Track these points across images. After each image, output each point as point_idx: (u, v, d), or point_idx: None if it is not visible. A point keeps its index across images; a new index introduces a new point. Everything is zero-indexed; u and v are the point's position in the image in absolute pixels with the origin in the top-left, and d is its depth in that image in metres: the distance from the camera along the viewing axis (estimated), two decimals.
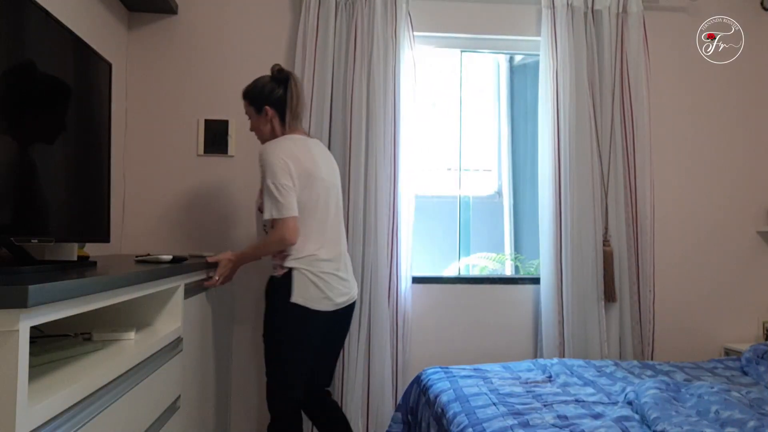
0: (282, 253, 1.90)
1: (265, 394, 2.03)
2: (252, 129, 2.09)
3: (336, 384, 2.57)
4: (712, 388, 1.77)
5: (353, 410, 2.51)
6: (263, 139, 2.05)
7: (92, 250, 2.14)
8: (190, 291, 1.72)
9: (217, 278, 1.93)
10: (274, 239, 1.86)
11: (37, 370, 1.07)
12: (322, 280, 1.90)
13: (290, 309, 1.86)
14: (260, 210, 1.96)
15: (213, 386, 2.02)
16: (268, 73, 2.05)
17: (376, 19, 2.60)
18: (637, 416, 1.62)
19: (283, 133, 2.01)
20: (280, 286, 1.89)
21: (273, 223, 1.87)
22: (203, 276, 1.90)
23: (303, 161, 1.92)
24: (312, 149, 2.00)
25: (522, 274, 3.03)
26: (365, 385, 2.55)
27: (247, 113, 2.08)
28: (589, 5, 2.76)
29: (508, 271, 3.12)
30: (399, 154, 2.60)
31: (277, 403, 1.93)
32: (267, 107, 2.01)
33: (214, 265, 1.96)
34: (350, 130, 2.57)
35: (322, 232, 1.95)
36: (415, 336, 2.68)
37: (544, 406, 1.72)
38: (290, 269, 1.88)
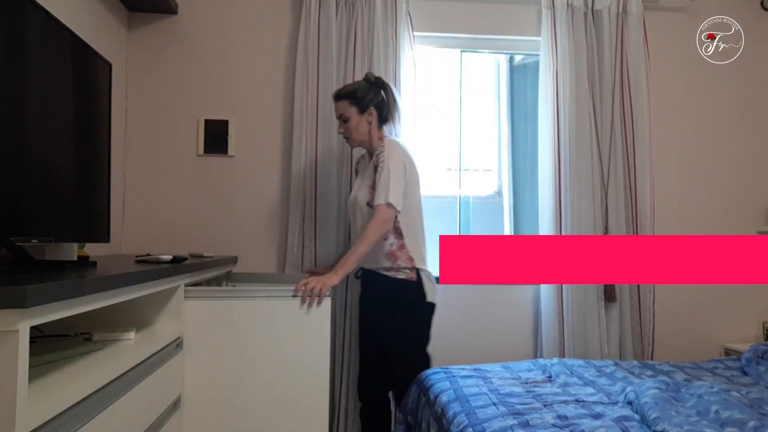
0: (404, 255, 2.06)
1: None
2: (344, 131, 2.17)
3: (337, 384, 2.57)
4: (712, 388, 1.77)
5: (356, 411, 2.51)
6: (357, 140, 2.17)
7: (92, 250, 2.14)
8: (188, 293, 1.72)
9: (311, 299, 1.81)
10: (377, 225, 1.96)
11: (37, 370, 1.07)
12: (431, 276, 2.14)
13: (426, 308, 2.11)
14: (369, 205, 2.08)
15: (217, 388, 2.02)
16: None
17: (376, 19, 2.60)
18: (637, 416, 1.62)
19: (379, 135, 2.17)
20: (413, 288, 2.07)
21: (377, 209, 1.98)
22: (204, 276, 1.90)
23: (415, 165, 2.14)
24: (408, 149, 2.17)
25: None
26: None
27: (342, 114, 2.16)
28: (589, 5, 2.76)
29: None
30: None
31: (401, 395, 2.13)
32: (372, 108, 2.14)
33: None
34: None
35: (423, 230, 2.18)
36: None
37: (544, 406, 1.72)
38: (418, 270, 2.08)
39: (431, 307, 2.13)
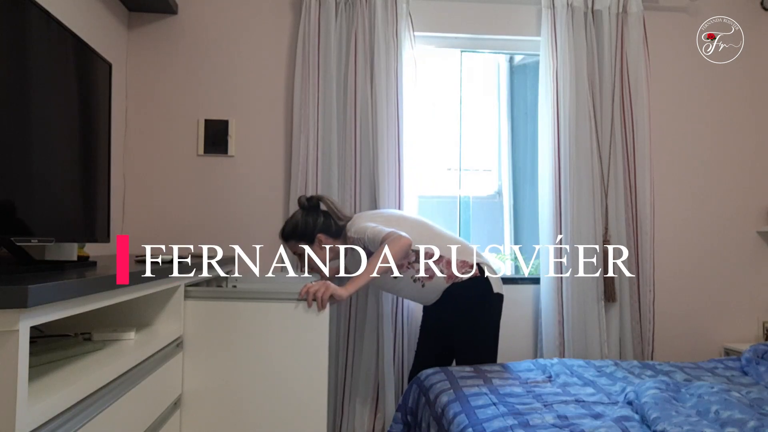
0: (451, 267, 2.06)
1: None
2: (306, 265, 2.18)
3: (338, 384, 2.57)
4: (712, 388, 1.77)
5: (359, 410, 2.52)
6: (324, 261, 2.17)
7: (92, 250, 2.14)
8: (188, 294, 1.72)
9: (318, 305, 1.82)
10: (393, 240, 1.94)
11: (37, 370, 1.07)
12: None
13: (496, 299, 2.11)
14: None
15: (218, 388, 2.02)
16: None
17: (377, 19, 2.60)
18: (637, 416, 1.62)
19: (339, 241, 2.17)
20: (477, 284, 2.07)
21: (384, 238, 1.96)
22: (204, 276, 1.90)
23: (384, 214, 2.17)
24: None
25: (522, 274, 3.03)
26: (375, 385, 2.55)
27: (296, 252, 2.17)
28: (589, 5, 2.76)
29: (508, 271, 3.12)
30: (402, 154, 2.61)
31: None
32: (319, 235, 2.13)
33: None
34: (353, 130, 2.58)
35: (448, 238, 2.17)
36: (415, 336, 2.68)
37: (544, 406, 1.72)
38: (478, 265, 2.09)
39: (500, 297, 2.14)
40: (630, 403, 1.75)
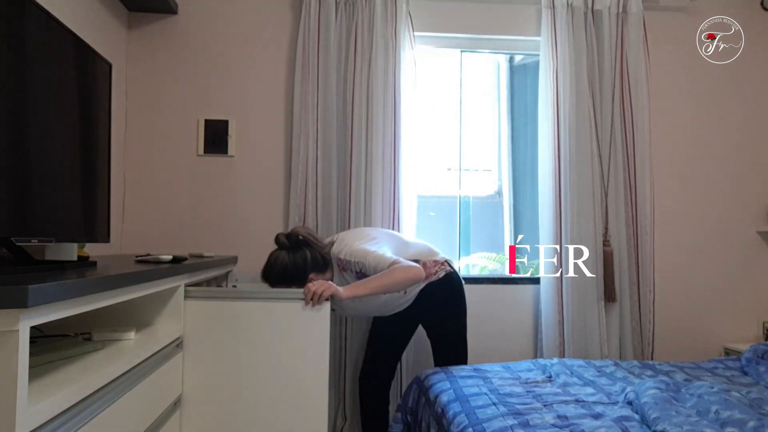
0: (427, 268, 2.11)
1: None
2: (306, 303, 2.00)
3: (340, 385, 2.57)
4: (712, 388, 1.77)
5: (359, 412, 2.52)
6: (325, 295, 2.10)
7: (92, 250, 2.14)
8: (189, 294, 1.72)
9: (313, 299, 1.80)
10: (403, 271, 1.95)
11: (37, 370, 1.07)
12: None
13: (463, 292, 2.23)
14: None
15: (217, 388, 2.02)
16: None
17: (377, 19, 2.60)
18: (637, 416, 1.62)
19: (329, 272, 2.08)
20: (447, 281, 2.16)
21: (392, 266, 1.95)
22: (204, 276, 1.90)
23: (367, 233, 2.18)
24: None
25: (522, 274, 3.03)
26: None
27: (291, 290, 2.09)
28: (589, 5, 2.76)
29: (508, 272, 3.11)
30: (400, 154, 2.61)
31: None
32: (311, 275, 2.02)
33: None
34: (351, 130, 2.58)
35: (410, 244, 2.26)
36: (415, 336, 2.68)
37: (544, 406, 1.72)
38: (446, 261, 2.21)
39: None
40: (630, 403, 1.75)
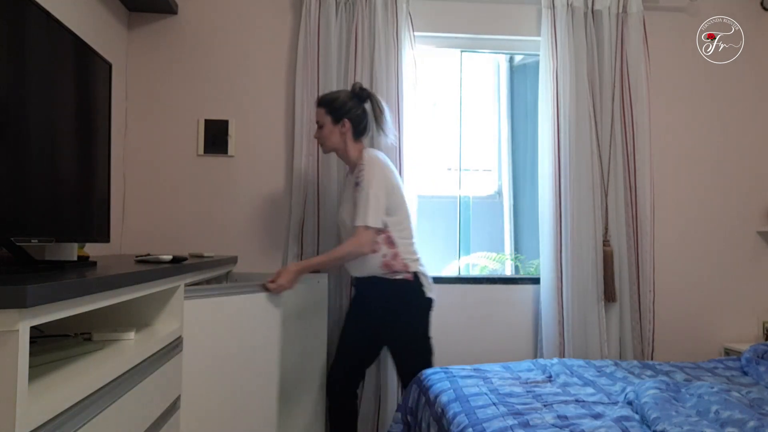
0: (400, 263, 2.09)
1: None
2: (318, 136, 2.20)
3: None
4: (712, 388, 1.77)
5: (363, 411, 2.52)
6: (329, 147, 2.20)
7: (92, 250, 2.14)
8: (189, 292, 1.72)
9: (277, 286, 1.96)
10: (353, 247, 2.03)
11: (37, 370, 1.07)
12: (426, 273, 2.18)
13: (427, 303, 2.16)
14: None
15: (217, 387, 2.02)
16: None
17: (377, 19, 2.60)
18: (637, 416, 1.62)
19: (355, 147, 2.18)
20: (412, 287, 2.12)
21: (357, 230, 2.03)
22: (204, 276, 1.90)
23: (396, 176, 2.15)
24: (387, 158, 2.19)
25: (522, 274, 3.03)
26: (378, 385, 2.55)
27: (318, 120, 2.18)
28: (589, 5, 2.76)
29: (508, 271, 3.12)
30: (402, 154, 2.61)
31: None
32: (346, 120, 2.14)
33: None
34: None
35: (414, 235, 2.20)
36: None
37: (544, 406, 1.72)
38: (414, 273, 2.12)
39: (430, 301, 2.18)
40: (630, 403, 1.75)
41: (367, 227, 2.02)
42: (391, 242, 2.11)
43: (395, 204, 2.12)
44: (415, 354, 2.19)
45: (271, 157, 2.69)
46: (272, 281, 1.96)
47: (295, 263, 2.05)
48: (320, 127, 2.18)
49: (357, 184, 2.08)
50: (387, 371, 2.53)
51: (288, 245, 2.58)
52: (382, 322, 2.18)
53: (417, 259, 2.17)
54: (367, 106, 2.21)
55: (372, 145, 2.43)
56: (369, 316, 2.24)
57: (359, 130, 2.18)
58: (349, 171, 2.27)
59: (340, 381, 2.28)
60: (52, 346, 1.20)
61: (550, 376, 2.10)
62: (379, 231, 2.07)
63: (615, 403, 1.76)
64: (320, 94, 2.57)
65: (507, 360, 2.70)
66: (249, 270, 2.60)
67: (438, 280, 2.75)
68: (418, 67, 2.70)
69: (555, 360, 2.28)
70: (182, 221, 2.64)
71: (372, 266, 2.12)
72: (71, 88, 1.47)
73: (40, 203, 1.29)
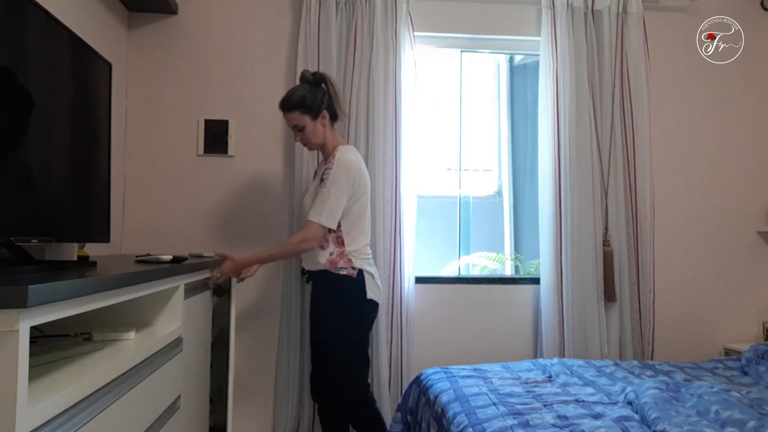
0: (344, 259, 2.06)
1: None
2: (302, 139, 2.16)
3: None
4: (712, 388, 1.77)
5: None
6: (317, 144, 2.16)
7: (92, 250, 2.14)
8: (189, 290, 1.72)
9: (217, 276, 1.99)
10: (300, 240, 2.01)
11: (37, 370, 1.07)
12: (376, 277, 2.14)
13: (367, 304, 2.07)
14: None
15: (210, 386, 2.02)
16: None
17: (377, 19, 2.60)
18: (637, 416, 1.62)
19: (332, 134, 2.17)
20: (354, 285, 2.06)
21: (308, 224, 2.02)
22: (203, 275, 1.90)
23: (364, 173, 2.12)
24: (360, 158, 2.17)
25: (522, 274, 3.03)
26: (377, 383, 2.55)
27: (297, 124, 2.13)
28: (589, 5, 2.76)
29: (508, 271, 3.12)
30: (400, 153, 2.61)
31: (348, 394, 2.08)
32: (324, 111, 2.12)
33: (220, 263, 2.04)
34: (351, 130, 2.58)
35: (369, 234, 2.18)
36: (415, 336, 2.68)
37: (544, 406, 1.72)
38: (360, 270, 2.07)
39: (372, 305, 2.10)
40: (630, 403, 1.75)
41: (319, 224, 2.01)
42: (340, 242, 2.09)
43: (357, 210, 2.09)
44: (343, 355, 2.06)
45: (271, 157, 2.69)
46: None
47: (242, 256, 2.05)
48: (300, 129, 2.14)
49: (322, 180, 2.06)
50: (380, 371, 2.52)
51: None
52: (322, 318, 2.13)
53: (367, 260, 2.12)
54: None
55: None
56: (315, 311, 2.20)
57: (333, 115, 2.16)
58: (323, 160, 2.24)
59: (324, 386, 2.20)
60: (52, 346, 1.20)
61: (550, 376, 2.10)
62: (330, 230, 2.06)
63: (615, 403, 1.76)
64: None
65: (507, 360, 2.70)
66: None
67: (438, 280, 2.75)
68: (417, 67, 2.70)
69: (555, 360, 2.28)
70: (182, 221, 2.64)
71: (318, 260, 2.09)
72: (71, 88, 1.47)
73: (40, 203, 1.29)
